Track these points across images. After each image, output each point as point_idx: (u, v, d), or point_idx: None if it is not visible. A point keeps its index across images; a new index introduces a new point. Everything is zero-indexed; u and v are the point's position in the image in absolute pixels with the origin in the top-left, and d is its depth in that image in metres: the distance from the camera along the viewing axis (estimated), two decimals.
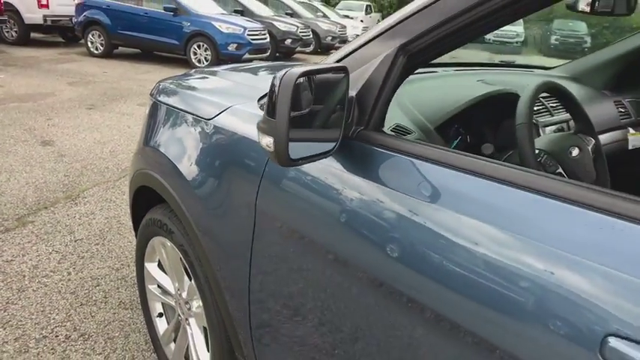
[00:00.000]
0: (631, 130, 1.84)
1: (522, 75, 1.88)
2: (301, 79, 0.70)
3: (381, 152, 0.84)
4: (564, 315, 0.55)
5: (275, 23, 11.13)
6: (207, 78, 1.70)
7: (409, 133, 1.09)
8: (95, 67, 8.41)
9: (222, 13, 9.83)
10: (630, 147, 1.83)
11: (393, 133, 1.01)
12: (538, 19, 22.25)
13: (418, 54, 0.81)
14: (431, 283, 0.70)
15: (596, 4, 1.24)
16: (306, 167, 0.90)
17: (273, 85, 0.69)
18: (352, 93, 0.84)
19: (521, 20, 20.49)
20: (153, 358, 1.81)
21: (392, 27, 0.84)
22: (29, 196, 3.11)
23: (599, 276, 0.54)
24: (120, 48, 10.00)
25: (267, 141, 0.71)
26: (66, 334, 1.90)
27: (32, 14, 9.82)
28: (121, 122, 5.05)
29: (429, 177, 0.77)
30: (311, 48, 12.82)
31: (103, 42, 9.56)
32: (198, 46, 9.01)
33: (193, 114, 1.33)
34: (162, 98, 1.57)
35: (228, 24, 9.01)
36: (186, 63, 9.01)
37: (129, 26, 9.24)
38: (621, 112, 1.87)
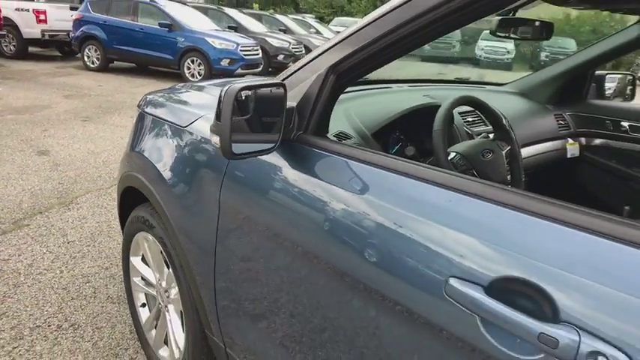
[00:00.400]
0: (570, 141, 2.06)
1: (468, 90, 2.10)
2: (243, 92, 0.91)
3: (317, 152, 1.04)
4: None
5: (268, 39, 11.43)
6: (189, 91, 1.90)
7: (349, 139, 1.30)
8: (91, 81, 8.63)
9: (216, 30, 10.11)
10: (569, 155, 2.05)
11: (333, 138, 1.21)
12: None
13: (344, 73, 1.03)
14: (355, 253, 0.89)
15: (518, 31, 1.45)
16: (258, 165, 1.11)
17: (220, 96, 0.90)
18: (293, 104, 1.05)
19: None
20: (137, 345, 1.98)
21: (324, 52, 1.05)
22: (25, 201, 3.29)
23: (451, 239, 0.74)
24: (115, 62, 10.24)
25: (215, 139, 0.91)
26: (57, 324, 2.08)
27: (31, 29, 10.08)
28: (114, 134, 5.25)
29: (358, 174, 0.96)
30: None
31: (99, 56, 9.81)
32: (192, 61, 9.26)
33: (172, 122, 1.53)
34: (148, 109, 1.78)
35: (221, 40, 9.28)
36: (180, 77, 9.25)
37: (124, 41, 9.50)
38: (561, 124, 2.09)
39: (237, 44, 9.38)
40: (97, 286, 2.39)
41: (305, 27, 16.44)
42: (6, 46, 10.30)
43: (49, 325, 2.07)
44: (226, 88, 0.89)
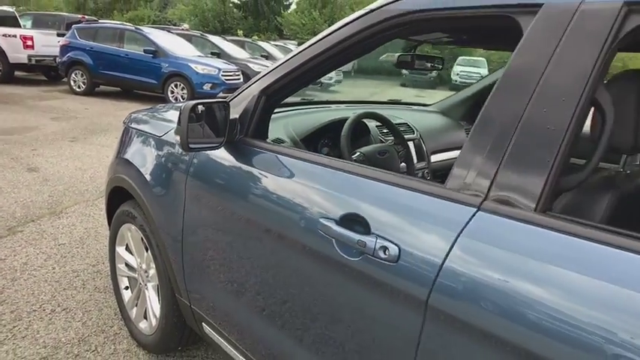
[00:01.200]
0: None
1: (395, 110, 2.54)
2: (198, 107, 1.33)
3: (254, 150, 1.46)
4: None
5: (250, 65, 11.96)
6: (166, 110, 2.32)
7: (283, 142, 1.72)
8: (77, 104, 9.00)
9: (199, 56, 10.61)
10: None
11: (269, 141, 1.63)
12: (502, 61, 23.80)
13: (272, 95, 1.46)
14: (279, 215, 1.29)
15: (415, 64, 1.91)
16: (212, 161, 1.53)
17: (181, 109, 1.32)
18: (236, 116, 1.47)
19: (485, 62, 21.83)
20: (120, 323, 2.34)
21: (259, 79, 1.48)
22: (18, 211, 3.64)
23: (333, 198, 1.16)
24: (101, 86, 10.64)
25: (177, 138, 1.33)
26: (51, 309, 2.43)
27: (18, 54, 10.46)
28: (100, 153, 5.62)
29: (282, 163, 1.37)
30: None
31: (85, 81, 10.21)
32: (176, 85, 9.71)
33: (151, 133, 1.95)
34: (132, 124, 2.19)
35: (203, 65, 9.76)
36: (164, 100, 9.66)
37: (110, 66, 9.93)
38: None
39: (219, 69, 9.87)
40: (86, 279, 2.75)
41: (286, 53, 17.07)
42: None
43: (43, 310, 2.42)
44: (185, 104, 1.32)
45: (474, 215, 0.90)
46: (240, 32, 27.43)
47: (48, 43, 10.85)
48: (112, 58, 9.95)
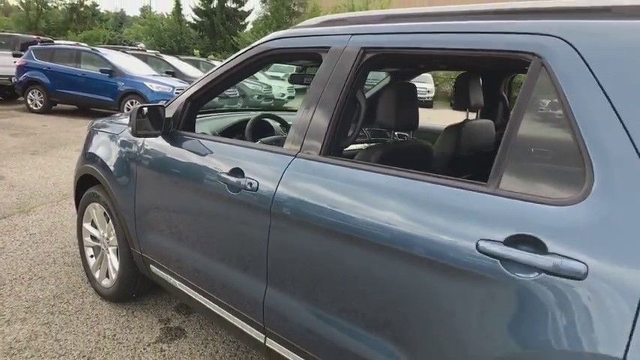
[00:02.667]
0: (366, 145, 3.31)
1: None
2: (143, 109, 2.05)
3: (183, 137, 2.18)
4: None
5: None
6: (121, 117, 3.00)
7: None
8: (35, 122, 9.41)
9: (154, 75, 11.19)
10: None
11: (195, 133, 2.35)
12: (448, 77, 25.47)
13: (194, 101, 2.19)
14: (202, 179, 2.01)
15: (304, 80, 2.69)
16: (154, 148, 2.24)
17: (130, 110, 2.03)
18: (170, 115, 2.20)
19: (431, 78, 23.26)
20: (87, 285, 2.97)
21: (187, 89, 2.21)
22: None
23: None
24: (58, 105, 11.03)
25: (129, 128, 2.05)
26: (29, 277, 3.03)
27: None
28: (61, 163, 6.14)
29: (202, 143, 2.09)
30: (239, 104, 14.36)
31: (42, 99, 10.60)
32: (132, 103, 10.23)
33: (111, 132, 2.63)
34: (95, 127, 2.86)
35: (158, 84, 10.36)
36: None
37: (67, 86, 10.38)
38: (361, 135, 3.35)
39: (173, 87, 10.48)
40: (56, 257, 3.35)
41: None
42: None
43: (23, 278, 3.02)
44: (135, 106, 2.04)
45: (292, 160, 1.66)
46: (196, 51, 27.99)
47: (3, 64, 11.18)
48: (69, 77, 10.40)
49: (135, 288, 2.71)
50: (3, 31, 21.65)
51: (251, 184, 1.73)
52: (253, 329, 1.82)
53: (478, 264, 1.16)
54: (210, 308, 2.02)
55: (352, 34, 1.67)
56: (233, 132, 2.66)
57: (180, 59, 14.93)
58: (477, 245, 1.17)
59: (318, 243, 1.53)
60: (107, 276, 2.82)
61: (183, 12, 35.11)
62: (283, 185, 1.64)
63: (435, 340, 1.27)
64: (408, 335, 1.33)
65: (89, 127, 2.99)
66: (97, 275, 2.88)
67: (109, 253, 2.77)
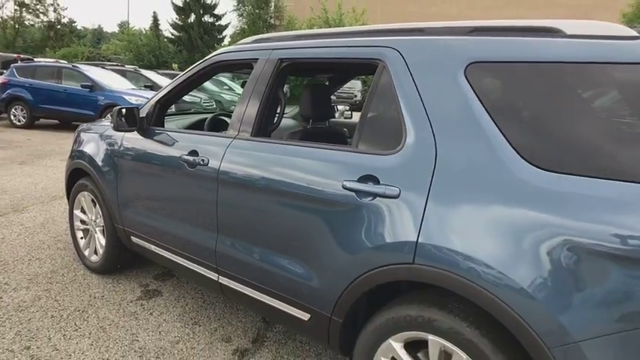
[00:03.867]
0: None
1: None
2: (122, 110, 2.65)
3: (154, 131, 2.78)
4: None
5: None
6: (102, 121, 3.59)
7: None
8: (20, 136, 9.87)
9: (133, 88, 11.73)
10: None
11: (164, 128, 2.95)
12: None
13: (163, 103, 2.81)
14: (166, 160, 2.62)
15: None
16: (130, 142, 2.84)
17: (114, 110, 2.64)
18: (144, 115, 2.80)
19: (360, 85, 24.05)
20: (78, 263, 3.53)
21: (157, 93, 2.82)
22: None
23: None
24: (41, 120, 11.49)
25: (111, 125, 2.65)
26: (28, 259, 3.58)
27: None
28: (48, 171, 6.66)
29: (169, 135, 2.69)
30: None
31: (25, 115, 11.05)
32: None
33: (96, 132, 3.23)
34: (81, 130, 3.45)
35: (137, 96, 10.88)
36: None
37: (50, 101, 10.86)
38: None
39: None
40: (50, 244, 3.90)
41: (219, 85, 18.42)
42: None
43: (22, 259, 3.56)
44: (115, 108, 2.64)
45: (232, 141, 2.28)
46: (175, 65, 28.50)
47: None
48: (51, 93, 10.89)
49: (119, 261, 3.29)
50: None
51: (203, 160, 2.34)
52: (209, 271, 2.42)
53: (343, 196, 1.80)
54: (177, 261, 2.61)
55: (273, 49, 2.31)
56: (196, 127, 3.27)
57: (158, 73, 15.48)
58: (343, 185, 1.80)
59: (251, 198, 2.15)
60: (95, 253, 3.39)
61: (160, 27, 35.70)
62: (225, 160, 2.26)
63: (320, 253, 1.89)
64: (307, 253, 1.95)
65: (76, 131, 3.57)
66: (86, 253, 3.45)
67: (96, 233, 3.35)
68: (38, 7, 39.38)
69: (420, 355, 1.70)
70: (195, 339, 2.62)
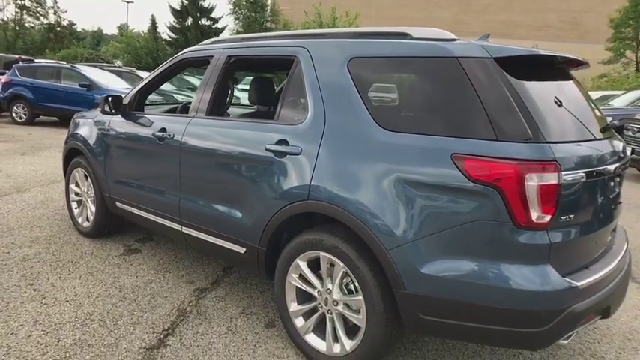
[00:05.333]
0: None
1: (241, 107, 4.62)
2: (108, 97, 3.30)
3: (134, 115, 3.43)
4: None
5: (174, 95, 13.86)
6: (95, 110, 4.23)
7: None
8: (21, 131, 10.53)
9: (128, 88, 12.38)
10: None
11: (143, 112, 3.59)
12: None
13: (143, 92, 3.46)
14: (144, 139, 3.27)
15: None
16: (115, 124, 3.49)
17: (102, 98, 3.28)
18: (127, 102, 3.46)
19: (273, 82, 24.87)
20: (72, 229, 4.17)
21: (138, 84, 3.47)
22: None
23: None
24: (41, 117, 12.15)
25: (100, 109, 3.30)
26: (30, 227, 4.22)
27: None
28: (48, 161, 7.31)
29: (147, 117, 3.33)
30: None
31: (27, 112, 11.71)
32: None
33: (88, 117, 3.88)
34: (76, 117, 4.10)
35: None
36: None
37: (49, 99, 11.52)
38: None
39: None
40: (49, 216, 4.55)
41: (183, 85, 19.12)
42: None
43: (25, 227, 4.21)
44: (102, 96, 3.29)
45: (191, 120, 2.94)
46: None
47: None
48: (51, 92, 11.55)
49: (106, 226, 3.94)
50: None
51: (170, 135, 2.99)
52: (175, 224, 3.07)
53: (266, 157, 2.45)
54: (151, 219, 3.26)
55: (224, 49, 2.96)
56: (171, 112, 3.93)
57: None
58: (266, 148, 2.46)
59: (203, 161, 2.80)
60: (87, 220, 4.03)
61: (158, 30, 36.43)
62: (186, 134, 2.91)
63: (251, 200, 2.54)
64: (242, 200, 2.60)
65: (72, 119, 4.23)
66: (79, 220, 4.10)
67: (88, 202, 3.99)
68: (39, 9, 40.15)
69: (320, 272, 2.35)
70: (165, 281, 3.27)
